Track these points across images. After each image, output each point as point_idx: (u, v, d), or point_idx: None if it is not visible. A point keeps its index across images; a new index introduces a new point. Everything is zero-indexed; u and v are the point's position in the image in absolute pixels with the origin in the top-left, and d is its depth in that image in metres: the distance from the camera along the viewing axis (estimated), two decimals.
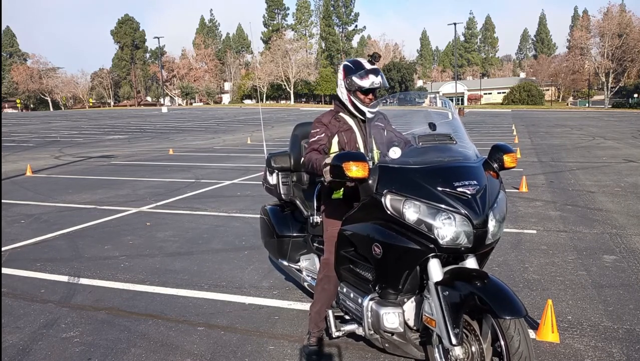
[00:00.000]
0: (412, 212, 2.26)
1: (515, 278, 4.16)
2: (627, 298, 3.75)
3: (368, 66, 2.87)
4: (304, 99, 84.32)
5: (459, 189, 2.26)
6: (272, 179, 3.72)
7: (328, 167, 2.46)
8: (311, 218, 3.24)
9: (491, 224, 2.29)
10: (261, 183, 4.01)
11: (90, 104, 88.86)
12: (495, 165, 2.58)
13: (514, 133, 21.38)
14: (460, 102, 73.44)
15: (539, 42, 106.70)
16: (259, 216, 4.00)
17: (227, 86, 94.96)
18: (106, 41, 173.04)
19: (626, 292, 3.86)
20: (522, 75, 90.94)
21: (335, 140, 2.94)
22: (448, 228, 2.22)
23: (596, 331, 3.23)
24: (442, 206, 2.23)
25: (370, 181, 2.41)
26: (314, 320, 2.94)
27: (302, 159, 2.90)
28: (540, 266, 4.49)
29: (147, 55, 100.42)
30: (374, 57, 2.91)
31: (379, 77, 2.86)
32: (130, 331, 3.36)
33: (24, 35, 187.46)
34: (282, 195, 3.67)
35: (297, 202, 3.52)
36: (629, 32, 61.47)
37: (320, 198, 3.12)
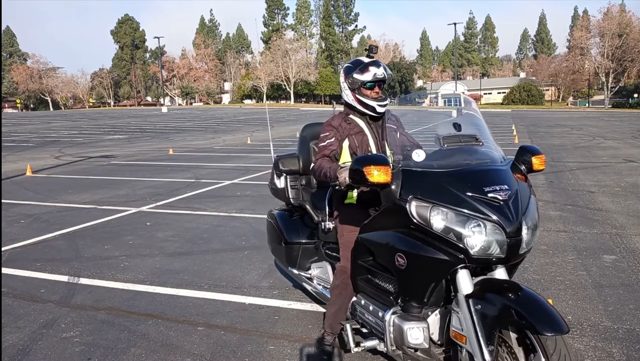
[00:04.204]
0: (439, 220, 2.11)
1: (516, 278, 4.15)
2: (627, 298, 3.75)
3: (367, 60, 2.79)
4: (304, 99, 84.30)
5: (489, 195, 2.11)
6: (280, 183, 3.58)
7: (346, 172, 2.35)
8: (322, 223, 3.07)
9: (525, 232, 2.13)
10: (267, 185, 3.89)
11: (90, 104, 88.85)
12: (523, 167, 2.44)
13: (514, 133, 21.37)
14: (459, 103, 73.35)
15: (539, 42, 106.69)
16: (265, 220, 3.83)
17: (227, 86, 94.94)
18: (106, 41, 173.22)
19: (626, 292, 3.86)
20: (522, 75, 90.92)
21: (345, 144, 2.83)
22: (479, 237, 2.06)
23: (596, 331, 3.23)
24: (472, 213, 2.09)
25: (393, 187, 2.25)
26: (329, 320, 2.86)
27: (312, 165, 2.77)
28: (540, 266, 4.49)
29: (147, 55, 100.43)
30: (371, 50, 2.81)
31: (381, 68, 2.76)
32: (130, 331, 3.36)
33: (24, 35, 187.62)
34: (291, 199, 3.53)
35: (307, 207, 3.36)
36: (629, 32, 61.46)
37: (332, 202, 3.00)
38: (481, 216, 2.08)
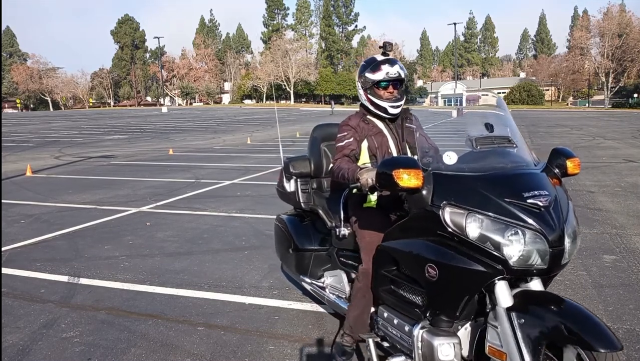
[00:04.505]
0: (476, 227, 1.96)
1: None
2: (627, 298, 3.75)
3: (380, 58, 2.67)
4: (304, 99, 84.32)
5: (529, 201, 1.97)
6: (290, 186, 3.42)
7: (368, 174, 2.24)
8: (337, 230, 2.89)
9: (566, 241, 1.98)
10: (275, 188, 3.73)
11: (90, 104, 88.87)
12: (557, 171, 2.29)
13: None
14: (459, 103, 73.39)
15: (539, 42, 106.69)
16: (274, 224, 3.67)
17: (227, 86, 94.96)
18: (106, 41, 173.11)
19: (626, 292, 3.86)
20: (522, 75, 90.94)
21: (364, 145, 2.69)
22: (519, 246, 1.92)
23: None
24: (512, 220, 1.94)
25: (424, 192, 2.10)
26: (351, 323, 2.68)
27: (331, 165, 2.62)
28: None
29: (147, 55, 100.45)
30: (385, 47, 2.68)
31: (395, 66, 2.61)
32: (130, 331, 3.36)
33: (24, 35, 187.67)
34: (302, 204, 3.37)
35: (320, 212, 3.19)
36: (629, 32, 61.48)
37: (348, 207, 2.85)
38: (521, 223, 1.94)
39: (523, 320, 1.90)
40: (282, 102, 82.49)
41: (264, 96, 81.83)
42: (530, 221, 1.94)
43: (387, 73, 2.61)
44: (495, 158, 2.22)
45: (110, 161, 14.55)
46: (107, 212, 7.28)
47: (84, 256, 5.13)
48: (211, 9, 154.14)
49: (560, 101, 78.62)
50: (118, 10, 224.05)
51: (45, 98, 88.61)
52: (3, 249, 5.40)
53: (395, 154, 2.69)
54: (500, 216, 1.96)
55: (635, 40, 61.09)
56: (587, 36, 65.34)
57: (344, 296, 2.96)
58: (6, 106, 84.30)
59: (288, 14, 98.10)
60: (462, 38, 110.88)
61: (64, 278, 4.45)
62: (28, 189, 9.72)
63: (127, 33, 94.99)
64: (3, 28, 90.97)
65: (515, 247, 1.92)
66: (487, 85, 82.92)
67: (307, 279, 3.28)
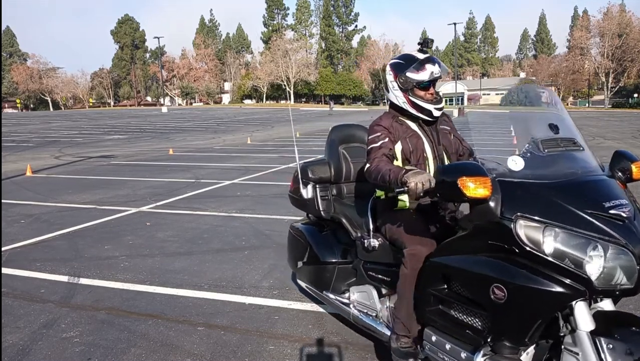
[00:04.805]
0: (553, 243, 1.76)
1: None
2: (626, 298, 3.74)
3: (421, 56, 2.44)
4: (304, 99, 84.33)
5: (611, 212, 1.78)
6: (307, 193, 3.15)
7: (417, 178, 2.02)
8: (364, 241, 2.62)
9: None
10: (288, 195, 3.49)
11: (90, 104, 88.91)
12: (620, 175, 2.11)
13: (513, 134, 21.38)
14: (460, 103, 73.50)
15: (539, 42, 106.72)
16: (288, 234, 3.45)
17: (227, 86, 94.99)
18: (106, 41, 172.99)
19: None
20: (522, 75, 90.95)
21: (398, 148, 2.47)
22: (603, 263, 1.73)
23: None
24: (595, 234, 1.75)
25: (491, 203, 1.87)
26: (403, 319, 2.40)
27: (367, 166, 2.40)
28: None
29: (147, 55, 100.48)
30: (425, 44, 2.46)
31: (437, 65, 2.43)
32: (130, 331, 3.36)
33: (24, 35, 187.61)
34: (322, 212, 3.10)
35: (343, 220, 2.93)
36: (629, 32, 61.51)
37: (376, 215, 2.63)
38: (606, 237, 1.74)
39: (612, 345, 1.69)
40: (282, 102, 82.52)
41: (264, 96, 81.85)
42: (615, 234, 1.75)
43: (432, 73, 2.41)
44: (563, 163, 2.04)
45: (110, 161, 14.56)
46: (107, 212, 7.28)
47: (84, 256, 5.13)
48: (211, 9, 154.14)
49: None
50: (118, 10, 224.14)
51: (45, 98, 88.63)
52: (3, 249, 5.40)
53: (431, 158, 2.50)
54: (582, 229, 1.76)
55: (635, 40, 61.11)
56: (587, 36, 65.36)
57: (374, 314, 2.72)
58: (6, 106, 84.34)
59: (288, 14, 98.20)
60: (462, 38, 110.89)
61: (64, 278, 4.45)
62: (28, 189, 9.72)
63: (127, 33, 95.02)
64: (3, 28, 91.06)
65: (600, 264, 1.73)
66: (487, 85, 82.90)
67: (331, 295, 2.99)
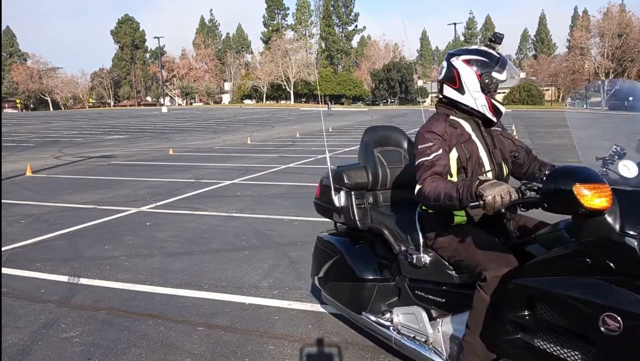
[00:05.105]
0: None
1: None
2: None
3: (494, 52, 2.22)
4: (304, 99, 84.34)
5: None
6: (340, 200, 2.85)
7: (495, 190, 1.77)
8: (413, 256, 2.35)
9: None
10: (314, 201, 3.19)
11: (90, 104, 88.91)
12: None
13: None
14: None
15: (539, 42, 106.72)
16: (314, 247, 3.16)
17: (227, 86, 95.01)
18: (106, 41, 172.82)
19: None
20: (522, 75, 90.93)
21: (453, 155, 2.20)
22: None
23: None
24: None
25: (609, 216, 1.61)
26: (474, 349, 2.06)
27: (418, 187, 2.11)
28: None
29: (147, 55, 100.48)
30: (497, 39, 2.21)
31: (506, 62, 2.23)
32: (130, 331, 3.36)
33: (24, 35, 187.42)
34: (357, 222, 2.78)
35: (385, 232, 2.62)
36: (629, 32, 61.53)
37: (425, 227, 2.37)
38: None
39: None
40: (282, 102, 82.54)
41: (264, 96, 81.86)
42: None
43: (512, 73, 2.25)
44: None
45: (110, 161, 14.56)
46: (107, 212, 7.28)
47: (84, 256, 5.13)
48: (211, 9, 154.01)
49: (560, 101, 78.60)
50: (118, 10, 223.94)
51: (45, 98, 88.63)
52: (3, 249, 5.40)
53: (487, 165, 2.23)
54: None
55: (635, 40, 61.13)
56: (587, 36, 65.39)
57: (422, 339, 2.41)
58: (6, 106, 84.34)
59: (288, 14, 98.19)
60: (462, 38, 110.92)
61: (64, 278, 4.45)
62: (28, 189, 9.72)
63: (127, 33, 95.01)
64: (3, 28, 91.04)
65: None
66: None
67: (372, 317, 2.63)
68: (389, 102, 73.85)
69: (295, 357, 2.99)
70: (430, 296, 2.40)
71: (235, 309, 3.71)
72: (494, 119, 2.26)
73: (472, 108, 2.24)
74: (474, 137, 2.25)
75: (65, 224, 6.55)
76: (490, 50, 2.24)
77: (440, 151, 2.14)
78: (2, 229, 6.20)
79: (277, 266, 4.62)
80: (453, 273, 2.26)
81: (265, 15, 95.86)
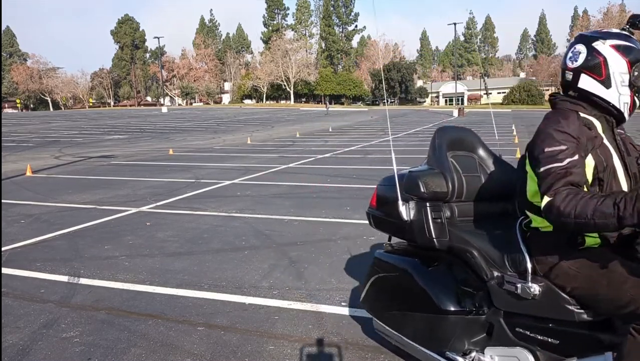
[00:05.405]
0: None
1: None
2: None
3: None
4: (304, 99, 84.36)
5: None
6: (409, 212, 2.34)
7: None
8: (517, 285, 1.91)
9: None
10: (367, 212, 2.66)
11: (90, 104, 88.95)
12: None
13: (514, 133, 21.39)
14: (460, 102, 73.52)
15: (539, 42, 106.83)
16: (370, 268, 2.61)
17: (227, 86, 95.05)
18: (106, 41, 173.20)
19: None
20: (522, 75, 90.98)
21: (589, 162, 1.76)
22: None
23: None
24: None
25: None
26: None
27: (548, 200, 1.66)
28: None
29: (147, 55, 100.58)
30: (636, 23, 1.83)
31: None
32: (130, 331, 3.36)
33: (24, 35, 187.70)
34: (435, 240, 2.26)
35: (475, 254, 2.12)
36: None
37: (534, 249, 1.92)
38: None
39: None
40: (282, 102, 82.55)
41: (264, 96, 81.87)
42: None
43: None
44: None
45: (110, 161, 14.56)
46: (107, 212, 7.28)
47: (84, 256, 5.13)
48: (211, 9, 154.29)
49: None
50: (118, 10, 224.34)
51: (45, 98, 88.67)
52: (3, 249, 5.40)
53: (622, 176, 1.81)
54: None
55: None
56: None
57: None
58: (6, 106, 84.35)
59: (288, 14, 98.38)
60: (462, 38, 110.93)
61: (63, 278, 4.45)
62: (28, 189, 9.72)
63: (127, 33, 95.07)
64: (3, 28, 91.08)
65: None
66: (488, 85, 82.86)
67: (458, 358, 2.12)
68: (388, 102, 73.88)
69: (295, 357, 2.99)
70: (537, 336, 1.94)
71: (235, 309, 3.71)
72: (626, 119, 1.88)
73: (613, 106, 1.83)
74: (605, 140, 1.83)
75: (65, 224, 6.55)
76: (633, 39, 1.85)
77: (576, 157, 1.69)
78: (2, 229, 6.20)
79: (277, 266, 4.62)
80: (574, 308, 1.82)
81: (265, 15, 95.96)
